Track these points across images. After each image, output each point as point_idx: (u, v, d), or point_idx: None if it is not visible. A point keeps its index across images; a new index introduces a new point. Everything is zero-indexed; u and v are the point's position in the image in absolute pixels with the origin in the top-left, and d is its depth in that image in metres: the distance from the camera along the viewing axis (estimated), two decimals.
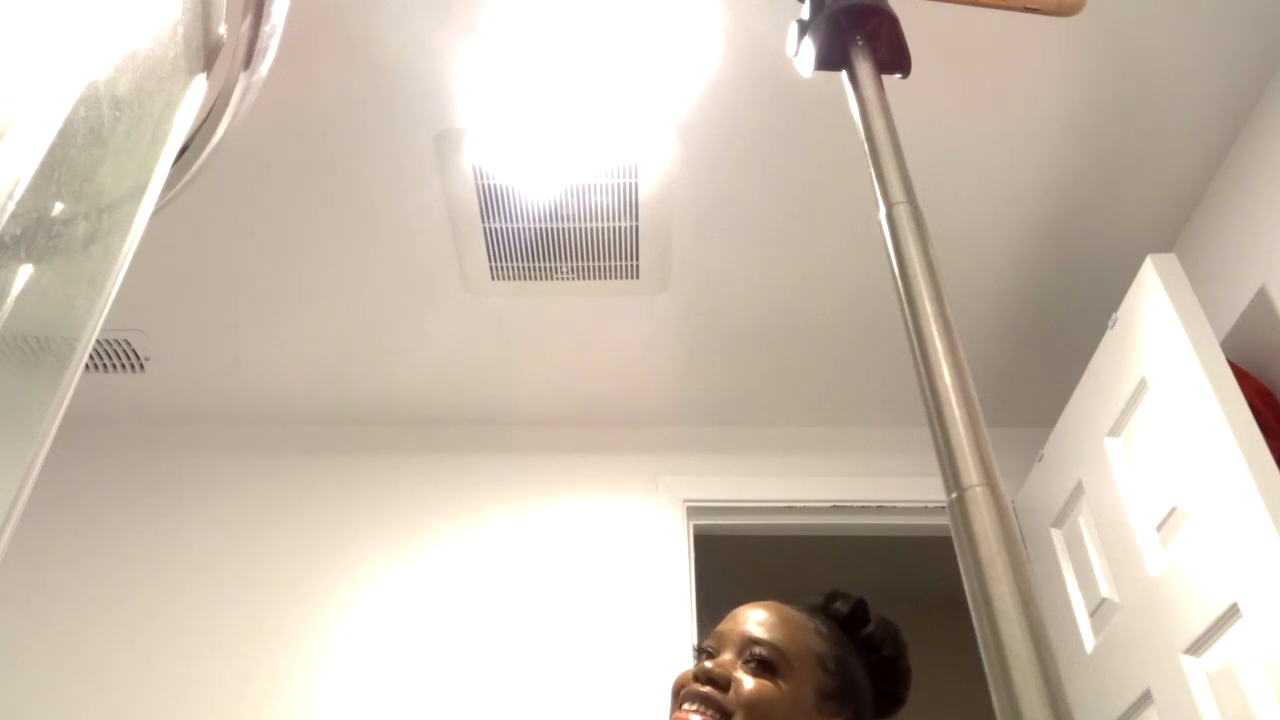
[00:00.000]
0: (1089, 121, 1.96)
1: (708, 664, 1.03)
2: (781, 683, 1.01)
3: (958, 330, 0.59)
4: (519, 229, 2.14)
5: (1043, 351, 2.44)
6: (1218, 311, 1.91)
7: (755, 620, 1.07)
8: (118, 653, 2.29)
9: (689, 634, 2.30)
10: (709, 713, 0.99)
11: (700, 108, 1.92)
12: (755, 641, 1.04)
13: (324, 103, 1.91)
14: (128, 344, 2.40)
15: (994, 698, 0.45)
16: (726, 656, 1.04)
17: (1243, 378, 1.70)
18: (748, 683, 1.01)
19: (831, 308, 2.35)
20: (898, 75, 0.80)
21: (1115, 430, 1.95)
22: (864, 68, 0.77)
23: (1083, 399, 2.09)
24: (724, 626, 1.09)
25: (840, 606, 1.13)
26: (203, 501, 2.51)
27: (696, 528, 2.52)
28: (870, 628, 1.13)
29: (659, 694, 2.46)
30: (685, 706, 1.01)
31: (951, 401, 0.56)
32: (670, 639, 2.29)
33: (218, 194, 2.05)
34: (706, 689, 1.01)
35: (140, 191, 0.64)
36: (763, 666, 1.02)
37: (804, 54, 0.81)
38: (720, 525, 2.56)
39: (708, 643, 1.09)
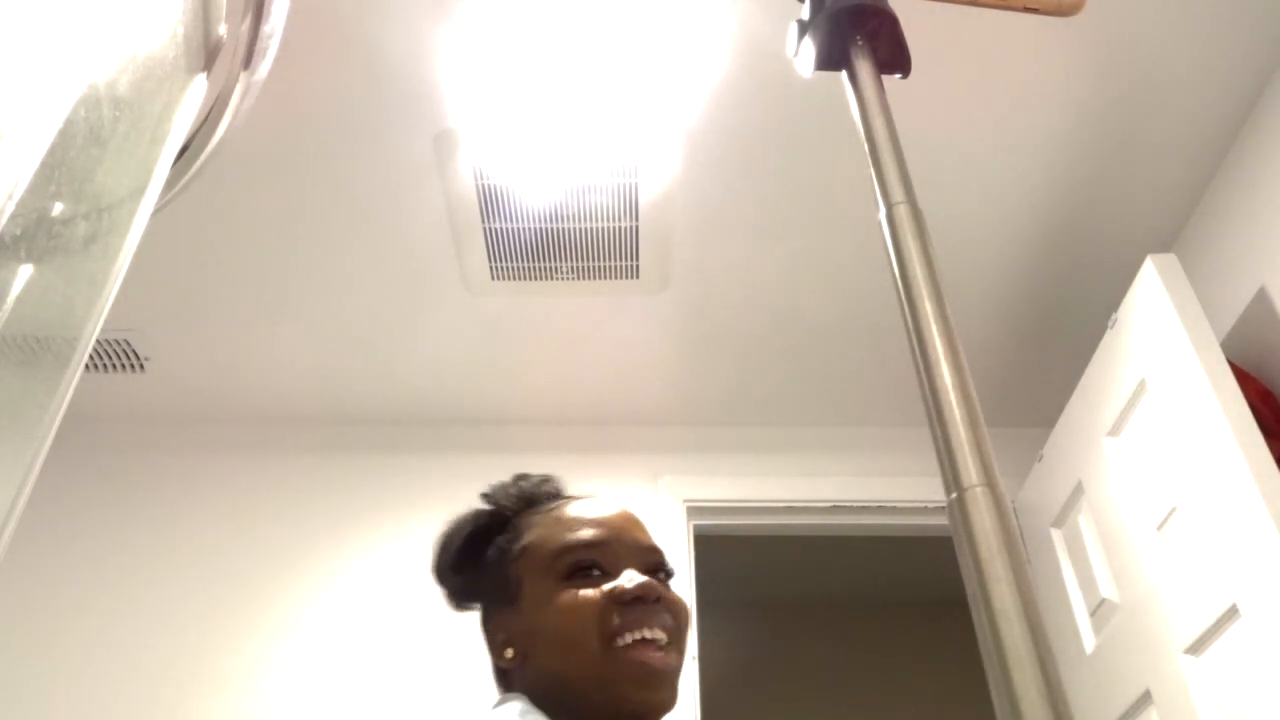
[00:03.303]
0: (1089, 121, 1.96)
1: (643, 579, 0.87)
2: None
3: (958, 330, 0.59)
4: (519, 229, 2.14)
5: (1043, 351, 2.44)
6: (1218, 311, 1.91)
7: (633, 523, 0.94)
8: (115, 649, 2.28)
9: (688, 634, 2.30)
10: (664, 636, 0.86)
11: (700, 108, 1.92)
12: (655, 551, 0.93)
13: (324, 103, 1.91)
14: (128, 344, 2.40)
15: (994, 698, 0.45)
16: (631, 570, 0.88)
17: (1243, 378, 1.70)
18: (678, 599, 0.90)
19: (831, 307, 2.35)
20: (898, 75, 0.80)
21: (1115, 430, 1.95)
22: (864, 68, 0.77)
23: (1082, 399, 2.09)
24: (601, 535, 0.91)
25: None
26: (204, 501, 2.51)
27: (696, 528, 2.52)
28: None
29: None
30: (647, 632, 0.84)
31: (951, 401, 0.56)
32: None
33: (218, 194, 2.05)
34: (656, 607, 0.86)
35: (140, 191, 0.64)
36: (668, 577, 0.92)
37: (804, 54, 0.81)
38: (720, 525, 2.56)
39: (584, 556, 0.89)
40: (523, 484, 1.02)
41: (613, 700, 0.83)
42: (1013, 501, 2.40)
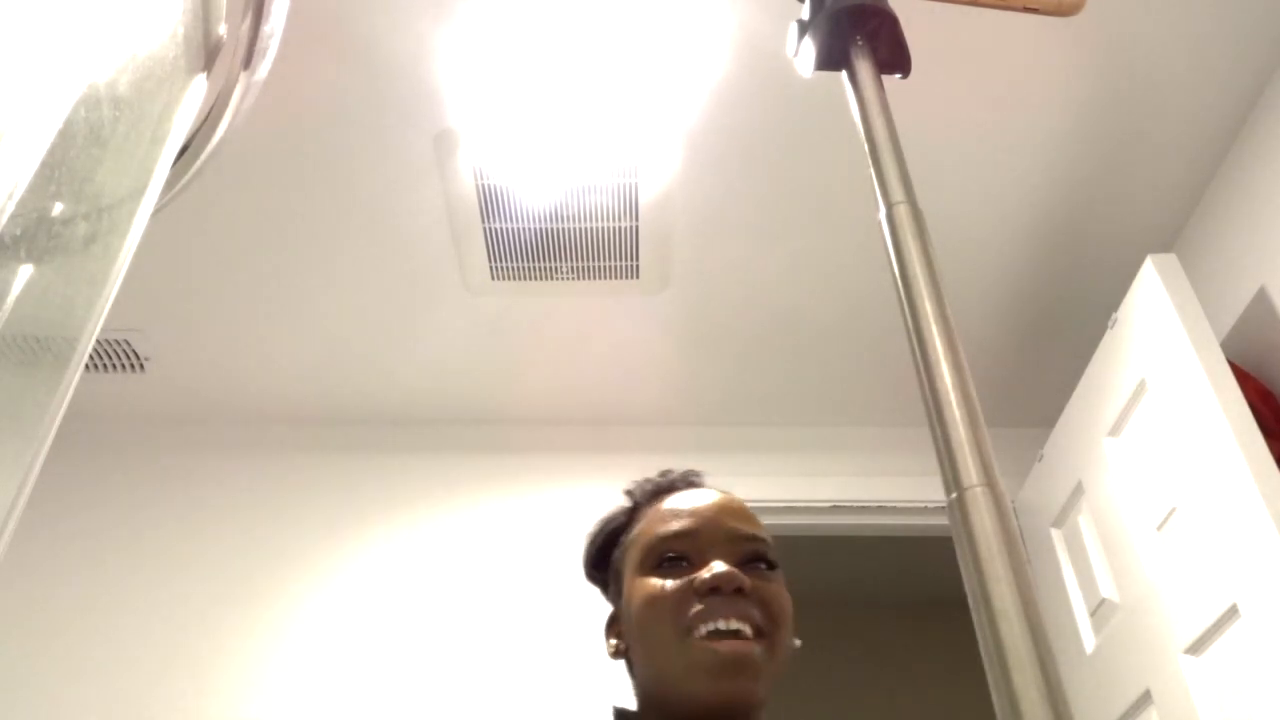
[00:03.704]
0: (1089, 121, 1.96)
1: (723, 569, 0.82)
2: (782, 582, 0.87)
3: (958, 330, 0.59)
4: (519, 229, 2.14)
5: (1043, 351, 2.44)
6: (1218, 311, 1.91)
7: (730, 512, 0.90)
8: (115, 648, 2.28)
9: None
10: (747, 627, 0.81)
11: (700, 108, 1.92)
12: (752, 539, 0.87)
13: (324, 103, 1.91)
14: (128, 344, 2.40)
15: (994, 698, 0.45)
16: (717, 561, 0.84)
17: (1243, 378, 1.70)
18: (770, 590, 0.84)
19: (831, 307, 2.35)
20: (898, 75, 0.80)
21: (1115, 430, 1.95)
22: (864, 68, 0.76)
23: (1083, 399, 2.09)
24: (689, 525, 0.88)
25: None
26: (203, 501, 2.51)
27: None
28: None
29: None
30: (721, 624, 0.80)
31: (951, 401, 0.56)
32: None
33: (218, 194, 2.05)
34: (734, 599, 0.81)
35: (140, 191, 0.64)
36: (768, 567, 0.87)
37: (804, 54, 0.81)
38: None
39: (671, 547, 0.87)
40: (658, 478, 0.99)
41: (689, 693, 0.80)
42: (1013, 501, 2.40)
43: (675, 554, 0.86)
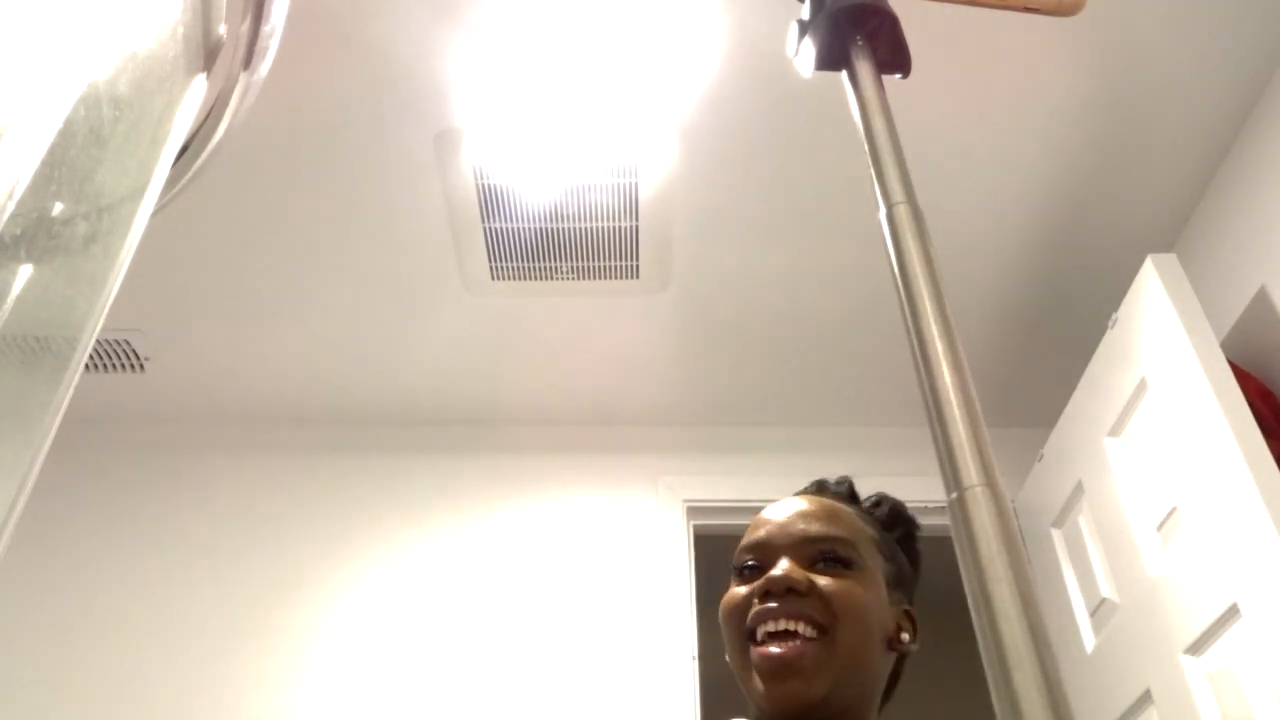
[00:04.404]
0: (1089, 121, 1.96)
1: (777, 572, 0.85)
2: (861, 578, 0.87)
3: (958, 330, 0.59)
4: (519, 229, 2.14)
5: (1043, 351, 2.44)
6: (1218, 311, 1.91)
7: (804, 516, 0.91)
8: (116, 649, 2.28)
9: (689, 634, 2.30)
10: (802, 626, 0.82)
11: (700, 108, 1.92)
12: (820, 539, 0.88)
13: (324, 103, 1.91)
14: (128, 344, 2.40)
15: (994, 698, 0.45)
16: (786, 564, 0.86)
17: (1243, 378, 1.70)
18: (834, 585, 0.85)
19: (831, 307, 2.35)
20: (898, 75, 0.80)
21: (1115, 430, 1.95)
22: (864, 68, 0.76)
23: (1083, 399, 2.09)
24: (761, 535, 0.90)
25: (850, 489, 1.02)
26: (203, 501, 2.51)
27: (696, 528, 2.52)
28: (887, 506, 1.02)
29: (658, 694, 2.44)
30: (771, 625, 0.82)
31: (951, 401, 0.56)
32: (670, 639, 2.29)
33: (218, 194, 2.05)
34: (788, 600, 0.83)
35: (140, 191, 0.64)
36: (839, 564, 0.87)
37: (804, 54, 0.81)
38: (720, 525, 2.56)
39: (747, 559, 0.90)
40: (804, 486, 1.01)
41: (754, 698, 0.84)
42: (1013, 501, 2.40)
43: (752, 562, 0.89)
